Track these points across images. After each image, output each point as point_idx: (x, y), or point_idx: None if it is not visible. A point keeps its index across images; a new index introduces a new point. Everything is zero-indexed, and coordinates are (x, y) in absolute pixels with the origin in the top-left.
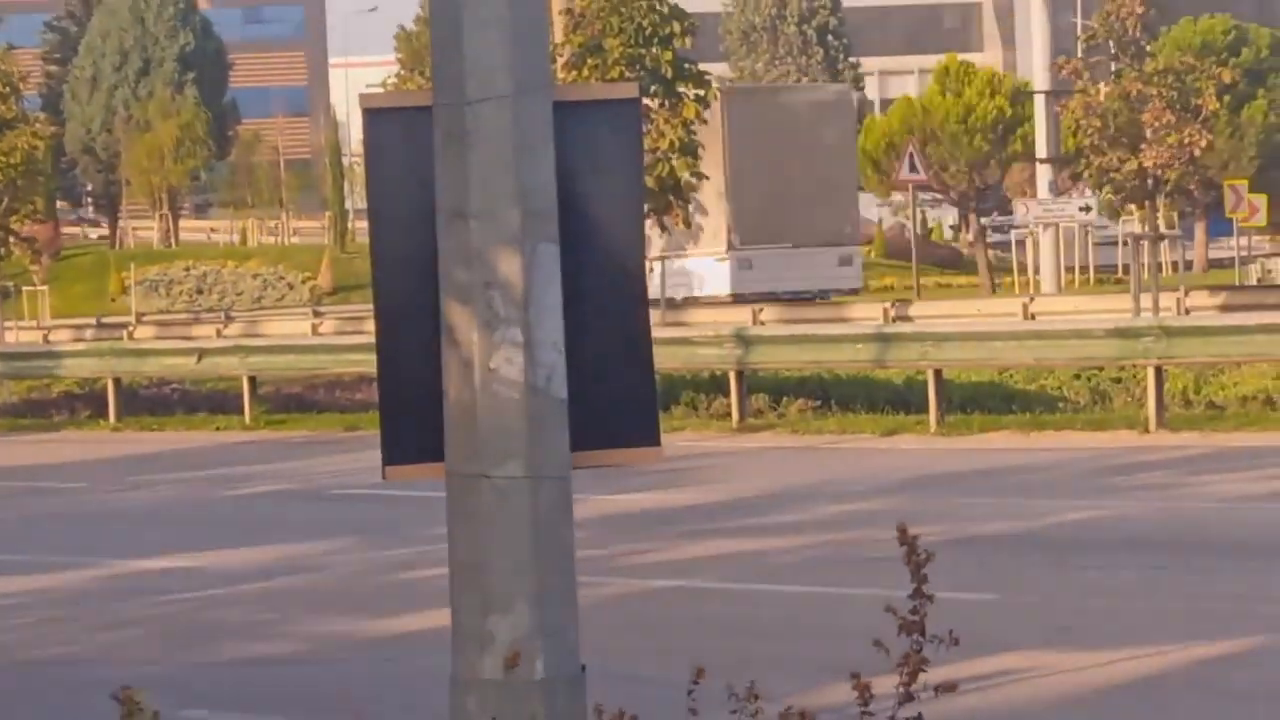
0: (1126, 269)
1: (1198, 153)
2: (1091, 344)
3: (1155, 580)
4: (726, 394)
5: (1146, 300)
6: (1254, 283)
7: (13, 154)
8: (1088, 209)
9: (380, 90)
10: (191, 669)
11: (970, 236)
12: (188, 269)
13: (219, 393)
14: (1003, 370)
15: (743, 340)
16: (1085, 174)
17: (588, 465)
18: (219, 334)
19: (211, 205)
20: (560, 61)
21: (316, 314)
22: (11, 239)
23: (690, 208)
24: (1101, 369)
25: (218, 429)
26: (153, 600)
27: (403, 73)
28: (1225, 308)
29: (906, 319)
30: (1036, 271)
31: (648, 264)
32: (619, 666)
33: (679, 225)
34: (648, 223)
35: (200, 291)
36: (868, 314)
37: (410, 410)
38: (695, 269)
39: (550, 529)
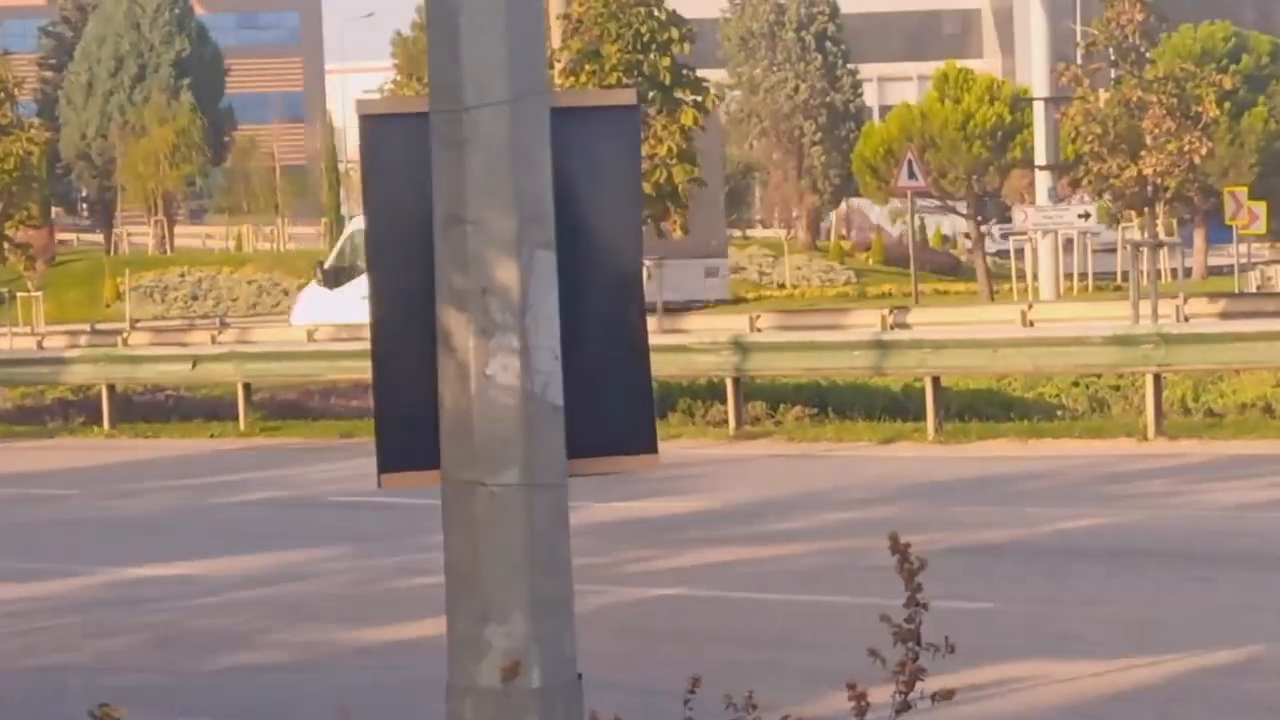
0: (1125, 276)
1: (1197, 159)
2: (1090, 351)
3: (1154, 589)
4: (723, 401)
5: (1145, 307)
6: (1253, 290)
7: (7, 159)
8: (1087, 216)
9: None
10: (184, 677)
11: (969, 243)
12: (183, 275)
13: (214, 399)
14: (1001, 378)
15: (740, 347)
16: (1085, 181)
17: (584, 473)
18: (214, 340)
19: (207, 211)
20: (558, 67)
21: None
22: (6, 245)
23: None
24: (1100, 376)
25: (212, 436)
26: (146, 608)
27: (399, 79)
28: (1224, 315)
29: (904, 326)
30: (1035, 278)
31: (645, 270)
32: (616, 675)
33: (676, 232)
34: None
35: (195, 298)
36: (866, 321)
37: (406, 417)
38: None
39: (546, 537)
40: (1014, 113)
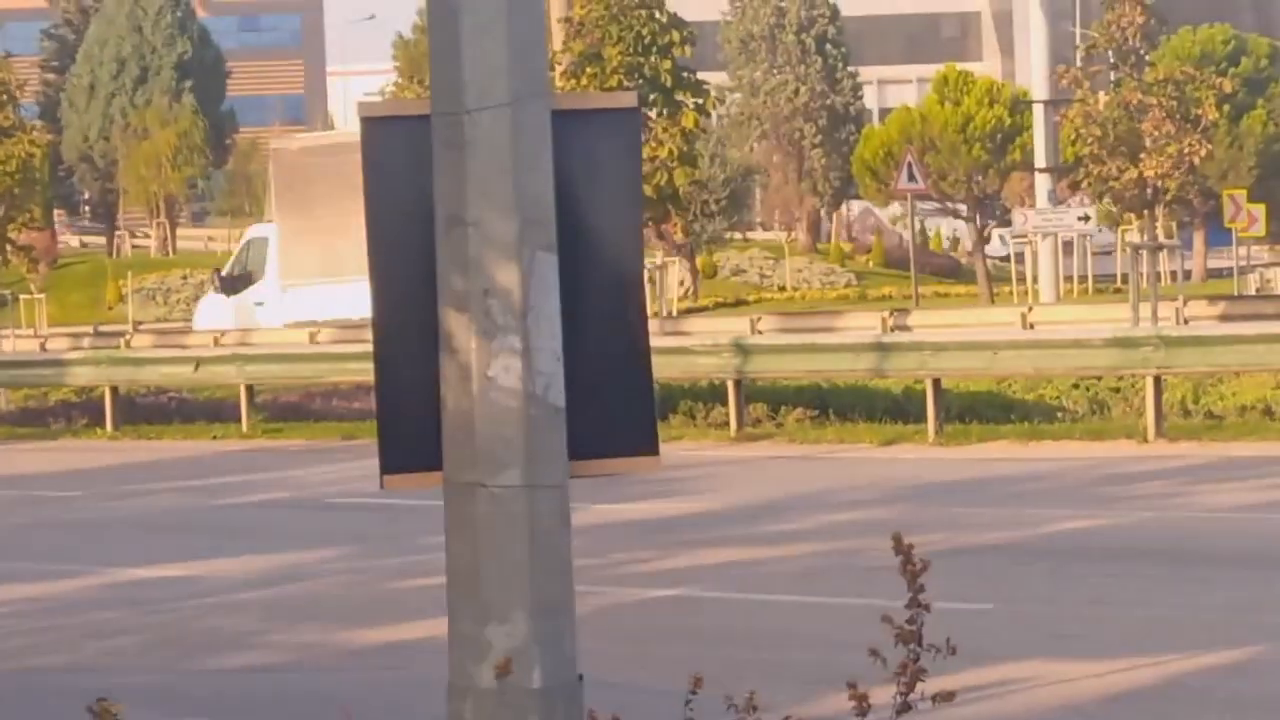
0: (1125, 278)
1: (1197, 162)
2: (1090, 353)
3: (1154, 590)
4: (725, 403)
5: (1145, 310)
6: (1253, 292)
7: (9, 162)
8: (1086, 218)
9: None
10: (187, 677)
11: (969, 246)
12: (185, 277)
13: (216, 401)
14: (1001, 380)
15: (741, 349)
16: (1084, 183)
17: (586, 474)
18: (216, 342)
19: (209, 214)
20: (559, 70)
21: (314, 322)
22: (9, 247)
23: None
24: (1100, 378)
25: (215, 437)
26: (148, 608)
27: (400, 81)
28: (1224, 317)
29: (905, 328)
30: (1035, 281)
31: (646, 272)
32: (616, 676)
33: (677, 235)
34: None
35: (198, 300)
36: (866, 323)
37: (408, 419)
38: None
39: (548, 538)
40: (1014, 115)
